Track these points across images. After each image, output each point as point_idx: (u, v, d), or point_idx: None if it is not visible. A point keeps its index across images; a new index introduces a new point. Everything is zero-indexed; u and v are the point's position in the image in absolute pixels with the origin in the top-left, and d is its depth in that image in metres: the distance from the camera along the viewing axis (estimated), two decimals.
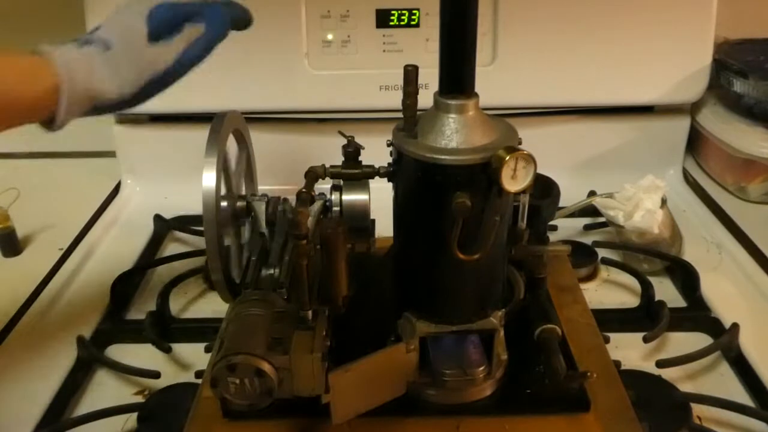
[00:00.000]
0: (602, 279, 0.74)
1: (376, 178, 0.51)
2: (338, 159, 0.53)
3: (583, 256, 0.74)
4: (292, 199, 0.50)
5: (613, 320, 0.64)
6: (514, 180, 0.42)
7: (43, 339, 0.65)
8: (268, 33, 0.84)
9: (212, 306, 0.70)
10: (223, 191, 0.54)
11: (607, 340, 0.58)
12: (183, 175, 0.72)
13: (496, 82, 0.84)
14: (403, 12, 0.84)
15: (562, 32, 0.85)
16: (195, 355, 0.62)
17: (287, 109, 0.89)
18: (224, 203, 0.55)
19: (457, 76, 0.44)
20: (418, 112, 0.45)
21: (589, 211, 0.82)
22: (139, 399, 0.58)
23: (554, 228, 0.81)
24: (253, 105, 0.84)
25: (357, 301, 0.49)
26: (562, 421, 0.49)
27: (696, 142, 0.94)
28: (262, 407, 0.44)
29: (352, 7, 0.84)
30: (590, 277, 0.74)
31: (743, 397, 0.58)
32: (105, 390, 0.61)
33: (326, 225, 0.46)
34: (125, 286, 0.72)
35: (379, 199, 0.53)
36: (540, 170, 0.43)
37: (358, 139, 0.53)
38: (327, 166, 0.51)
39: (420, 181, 0.45)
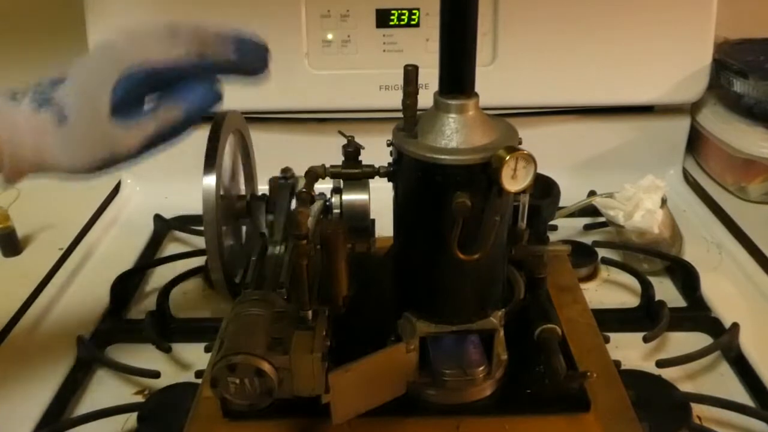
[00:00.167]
0: (602, 279, 0.74)
1: (376, 178, 0.51)
2: (338, 159, 0.53)
3: (583, 256, 0.74)
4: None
5: (613, 320, 0.64)
6: (514, 180, 0.42)
7: (43, 339, 0.65)
8: (268, 33, 0.84)
9: (212, 306, 0.70)
10: (223, 191, 0.54)
11: (607, 340, 0.58)
12: (183, 175, 0.72)
13: (496, 82, 0.84)
14: (403, 12, 0.84)
15: (562, 32, 0.85)
16: (195, 355, 0.62)
17: (287, 109, 0.89)
18: (224, 203, 0.55)
19: (457, 76, 0.44)
20: (418, 112, 0.45)
21: (589, 211, 0.82)
22: (139, 399, 0.58)
23: (554, 228, 0.81)
24: (253, 105, 0.84)
25: (357, 301, 0.49)
26: (562, 421, 0.49)
27: (696, 142, 0.94)
28: (262, 407, 0.44)
29: (352, 7, 0.84)
30: (590, 277, 0.74)
31: (743, 397, 0.58)
32: (105, 390, 0.61)
33: (326, 225, 0.46)
34: (125, 286, 0.72)
35: (379, 199, 0.53)
36: (540, 170, 0.43)
37: (358, 139, 0.53)
38: (327, 166, 0.51)
39: (420, 180, 0.45)
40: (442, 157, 0.43)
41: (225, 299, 0.55)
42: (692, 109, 0.92)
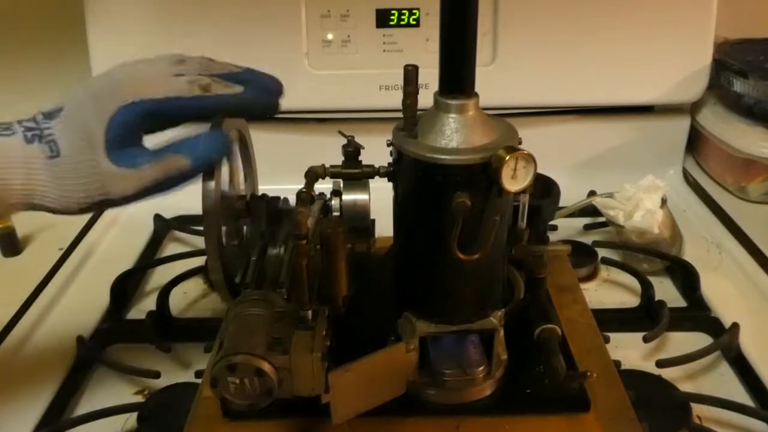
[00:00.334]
0: (602, 279, 0.74)
1: (376, 178, 0.51)
2: (338, 159, 0.53)
3: (583, 256, 0.74)
4: (293, 199, 0.50)
5: (613, 320, 0.64)
6: (514, 180, 0.42)
7: (43, 339, 0.65)
8: (268, 33, 0.84)
9: (212, 306, 0.70)
10: (223, 191, 0.54)
11: (607, 340, 0.58)
12: None
13: (496, 82, 0.84)
14: (403, 12, 0.84)
15: (562, 32, 0.85)
16: (195, 355, 0.62)
17: (287, 109, 0.88)
18: (224, 203, 0.55)
19: (457, 76, 0.44)
20: (418, 112, 0.45)
21: (589, 211, 0.82)
22: (139, 399, 0.58)
23: (554, 228, 0.81)
24: None
25: (357, 301, 0.49)
26: (562, 421, 0.49)
27: (696, 142, 0.94)
28: (262, 407, 0.44)
29: (352, 7, 0.84)
30: (590, 277, 0.74)
31: (743, 397, 0.58)
32: (105, 390, 0.61)
33: (326, 225, 0.46)
34: (125, 286, 0.72)
35: (379, 199, 0.53)
36: (540, 170, 0.43)
37: (358, 139, 0.53)
38: (327, 166, 0.51)
39: (420, 180, 0.45)
40: (442, 157, 0.43)
41: (225, 299, 0.55)
42: (692, 109, 0.92)
